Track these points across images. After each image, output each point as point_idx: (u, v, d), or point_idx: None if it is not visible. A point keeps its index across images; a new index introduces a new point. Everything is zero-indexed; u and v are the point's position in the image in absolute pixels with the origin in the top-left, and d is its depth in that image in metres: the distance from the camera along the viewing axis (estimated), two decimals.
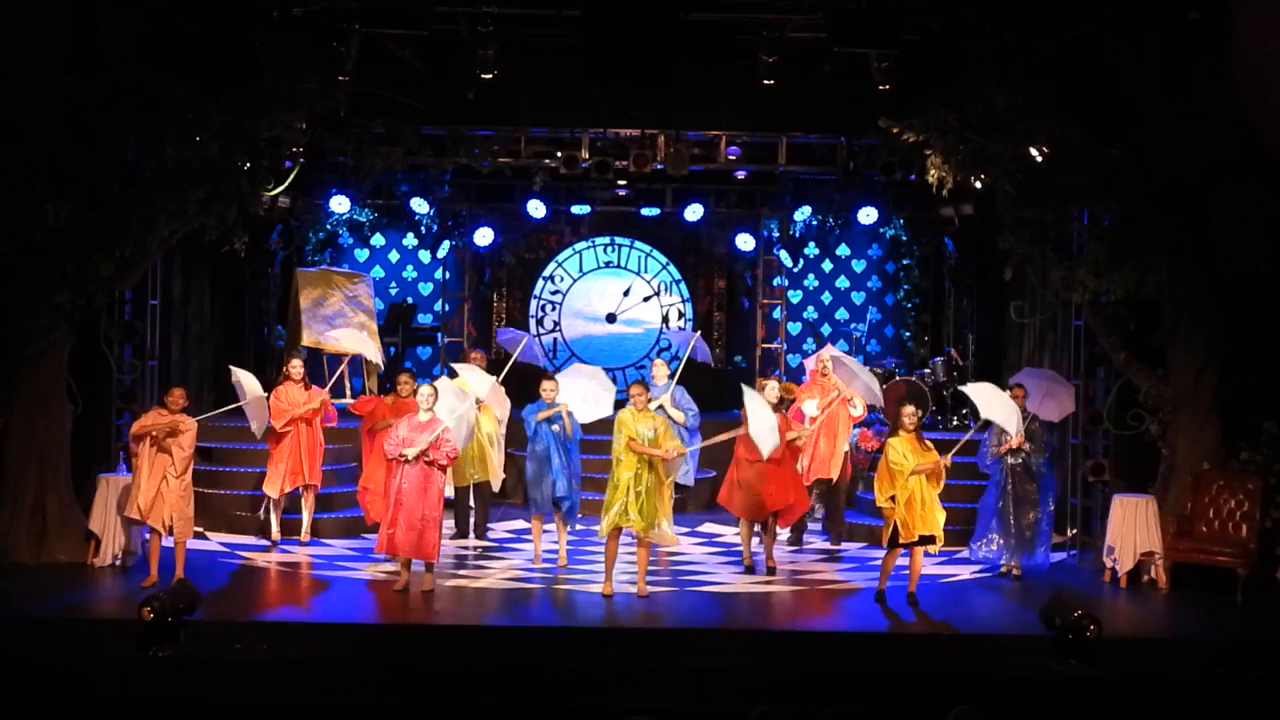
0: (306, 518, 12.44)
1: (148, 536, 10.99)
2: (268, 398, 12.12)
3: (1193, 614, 10.77)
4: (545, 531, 12.04)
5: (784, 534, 12.44)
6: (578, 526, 12.44)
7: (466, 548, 12.49)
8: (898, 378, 15.20)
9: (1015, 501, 11.61)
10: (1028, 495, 11.61)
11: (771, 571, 11.64)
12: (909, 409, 10.63)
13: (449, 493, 12.77)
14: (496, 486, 12.73)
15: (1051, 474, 11.89)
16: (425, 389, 10.84)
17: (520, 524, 13.14)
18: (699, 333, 13.46)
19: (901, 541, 10.54)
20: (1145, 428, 12.02)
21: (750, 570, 11.67)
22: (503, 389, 12.35)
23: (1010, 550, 11.65)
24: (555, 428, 11.73)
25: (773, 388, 11.74)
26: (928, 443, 10.63)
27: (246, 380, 11.91)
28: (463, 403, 11.13)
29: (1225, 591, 11.00)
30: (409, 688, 8.73)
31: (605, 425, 11.84)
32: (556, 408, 11.73)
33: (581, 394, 11.85)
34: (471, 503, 12.84)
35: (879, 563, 10.88)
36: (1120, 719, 8.57)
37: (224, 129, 11.45)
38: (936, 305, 17.09)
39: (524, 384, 12.84)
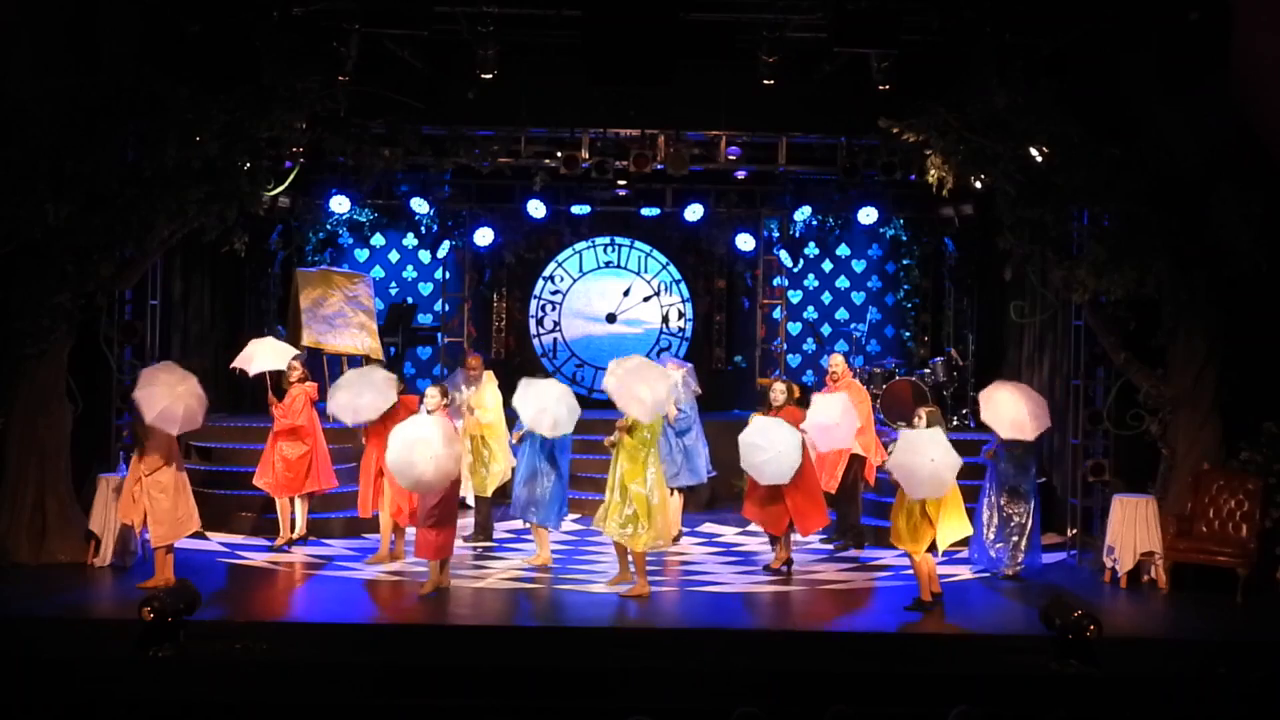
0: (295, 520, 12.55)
1: (147, 537, 10.99)
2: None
3: (1193, 614, 10.76)
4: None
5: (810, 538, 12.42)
6: (576, 526, 12.43)
7: (467, 548, 12.48)
8: (898, 377, 15.21)
9: (1003, 505, 11.59)
10: (1014, 499, 11.56)
11: (771, 571, 11.64)
12: (921, 411, 10.67)
13: (469, 500, 12.85)
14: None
15: (1034, 491, 11.76)
16: (431, 390, 10.89)
17: (520, 524, 13.13)
18: (690, 365, 13.26)
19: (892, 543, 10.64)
20: (1145, 428, 12.03)
21: (777, 571, 11.63)
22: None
23: (1006, 547, 11.62)
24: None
25: (781, 389, 11.68)
26: None
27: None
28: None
29: (1225, 591, 11.00)
30: (409, 688, 8.73)
31: (598, 426, 11.87)
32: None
33: (540, 406, 11.42)
34: (470, 502, 12.88)
35: (879, 563, 10.89)
36: (1120, 719, 8.57)
37: (224, 129, 11.45)
38: (936, 305, 17.09)
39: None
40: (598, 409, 13.62)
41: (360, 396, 11.71)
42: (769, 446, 11.02)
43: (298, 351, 13.20)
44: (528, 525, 12.04)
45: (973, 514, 11.78)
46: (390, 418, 11.52)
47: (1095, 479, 12.30)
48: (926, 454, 10.10)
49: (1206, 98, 10.44)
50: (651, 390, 10.57)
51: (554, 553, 11.96)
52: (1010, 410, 11.45)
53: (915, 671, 9.29)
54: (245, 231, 13.27)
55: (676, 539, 12.38)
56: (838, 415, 11.80)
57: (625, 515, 10.52)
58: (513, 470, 12.26)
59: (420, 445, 10.17)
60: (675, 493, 12.28)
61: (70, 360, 11.81)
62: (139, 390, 10.65)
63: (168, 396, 10.58)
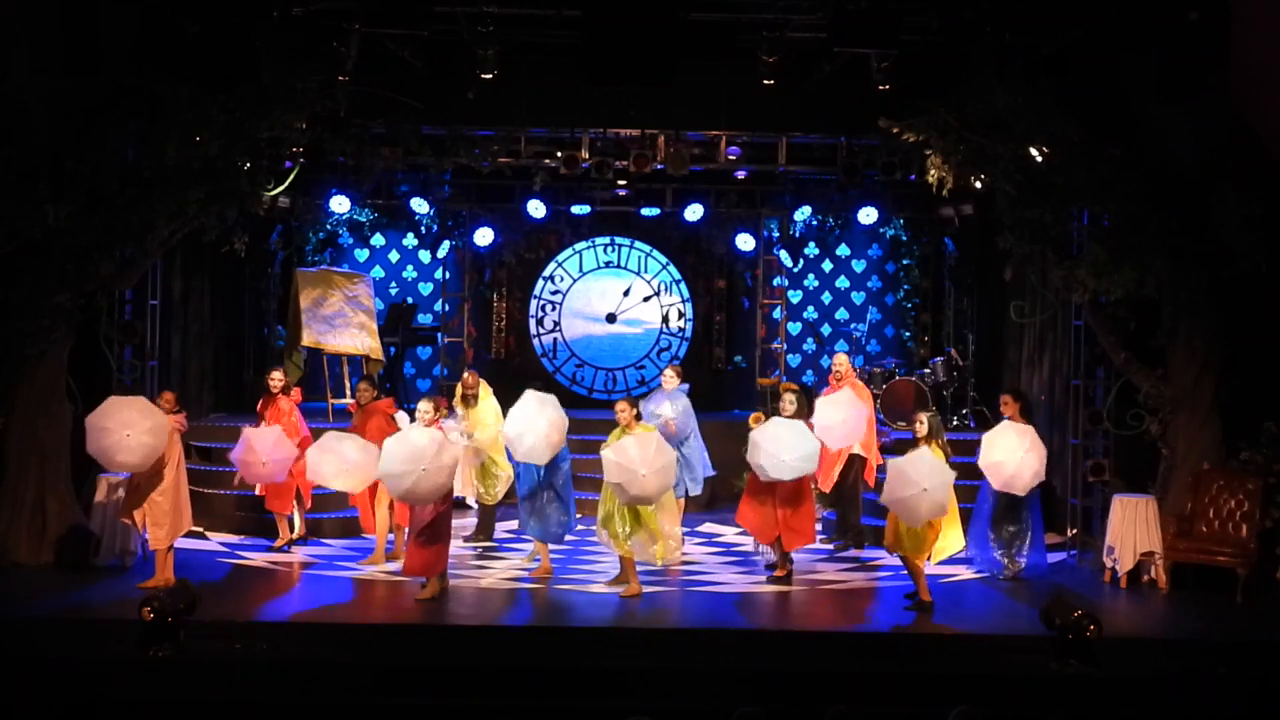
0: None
1: (147, 537, 10.98)
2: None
3: (1193, 614, 10.76)
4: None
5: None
6: (577, 526, 12.41)
7: (467, 547, 12.48)
8: (898, 377, 15.20)
9: (1004, 507, 11.59)
10: (1016, 501, 11.56)
11: (775, 579, 11.61)
12: (921, 416, 10.65)
13: (470, 500, 12.84)
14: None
15: (1036, 493, 11.75)
16: (423, 404, 10.81)
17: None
18: (687, 385, 12.99)
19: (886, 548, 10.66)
20: (1145, 428, 12.02)
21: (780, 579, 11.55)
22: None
23: (1003, 553, 11.63)
24: None
25: (791, 399, 11.59)
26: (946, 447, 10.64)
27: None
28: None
29: (1225, 591, 11.00)
30: (409, 688, 8.73)
31: (597, 426, 11.85)
32: None
33: (531, 440, 11.22)
34: (472, 503, 12.87)
35: (879, 563, 10.86)
36: (1120, 719, 8.57)
37: (224, 129, 11.45)
38: (936, 305, 17.09)
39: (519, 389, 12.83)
40: (597, 409, 13.63)
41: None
42: (782, 446, 10.87)
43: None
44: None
45: (973, 514, 11.82)
46: (364, 425, 11.58)
47: (1095, 479, 12.29)
48: (918, 484, 10.11)
49: (1206, 98, 10.44)
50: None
51: (554, 552, 11.93)
52: (1008, 465, 11.37)
53: (915, 671, 9.30)
54: (245, 231, 13.27)
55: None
56: (843, 413, 11.82)
57: (637, 534, 10.61)
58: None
59: (412, 456, 10.10)
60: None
61: (70, 360, 11.81)
62: (91, 438, 10.47)
63: (117, 446, 10.43)
